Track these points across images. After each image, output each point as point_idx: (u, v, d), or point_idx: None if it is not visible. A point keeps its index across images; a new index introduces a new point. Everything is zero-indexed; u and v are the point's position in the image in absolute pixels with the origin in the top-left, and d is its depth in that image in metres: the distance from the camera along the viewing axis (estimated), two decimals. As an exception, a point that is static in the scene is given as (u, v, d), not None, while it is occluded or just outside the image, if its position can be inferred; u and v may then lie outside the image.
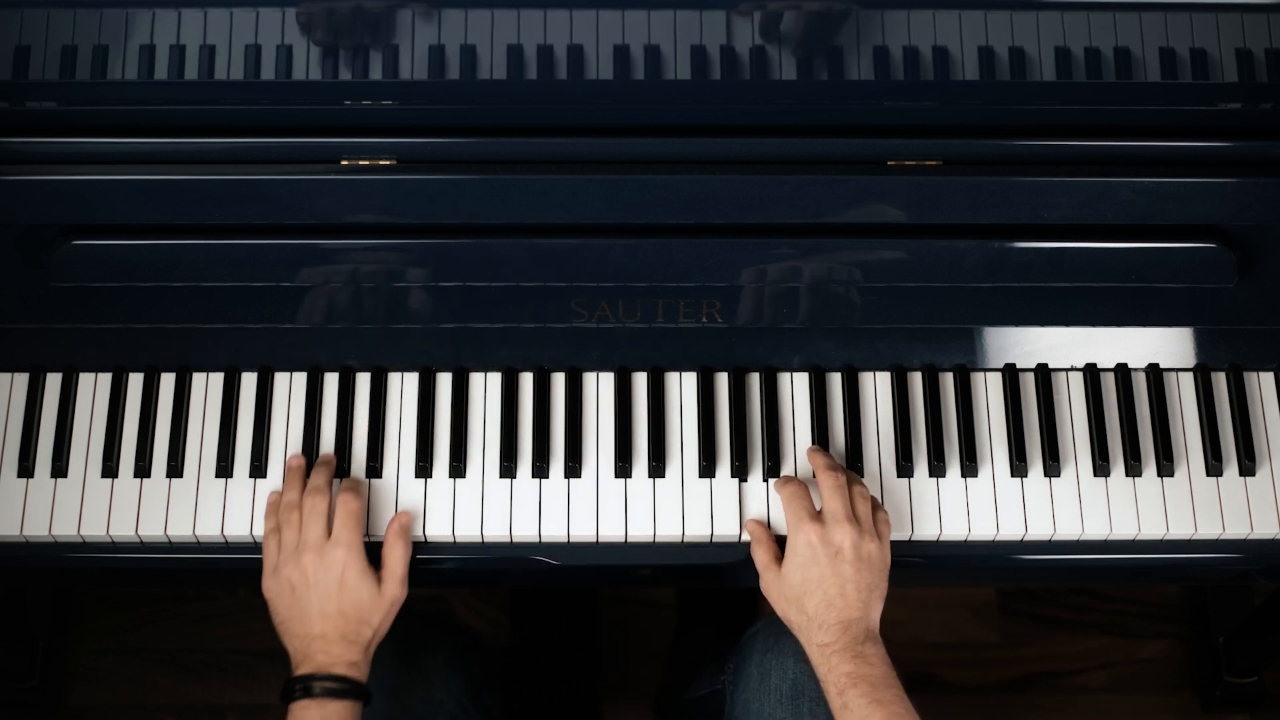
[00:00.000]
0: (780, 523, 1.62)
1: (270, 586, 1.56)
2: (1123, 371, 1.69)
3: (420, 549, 1.64)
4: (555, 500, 1.64)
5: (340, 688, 1.49)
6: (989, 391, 1.69)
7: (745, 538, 1.62)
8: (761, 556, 1.57)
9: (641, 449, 1.66)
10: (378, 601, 1.55)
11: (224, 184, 1.61)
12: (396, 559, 1.58)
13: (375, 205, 1.63)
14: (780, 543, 1.59)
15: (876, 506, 1.58)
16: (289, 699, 1.50)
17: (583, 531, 1.63)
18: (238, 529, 1.63)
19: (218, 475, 1.64)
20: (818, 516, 1.55)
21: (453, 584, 1.80)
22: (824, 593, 1.51)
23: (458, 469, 1.65)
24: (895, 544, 1.63)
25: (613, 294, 1.67)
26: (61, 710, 2.31)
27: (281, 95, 1.60)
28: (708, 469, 1.65)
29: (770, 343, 1.69)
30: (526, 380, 1.69)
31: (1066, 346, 1.70)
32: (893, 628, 2.36)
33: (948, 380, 1.69)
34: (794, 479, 1.60)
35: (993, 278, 1.66)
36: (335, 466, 1.63)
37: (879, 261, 1.65)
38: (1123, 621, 2.39)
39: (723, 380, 1.69)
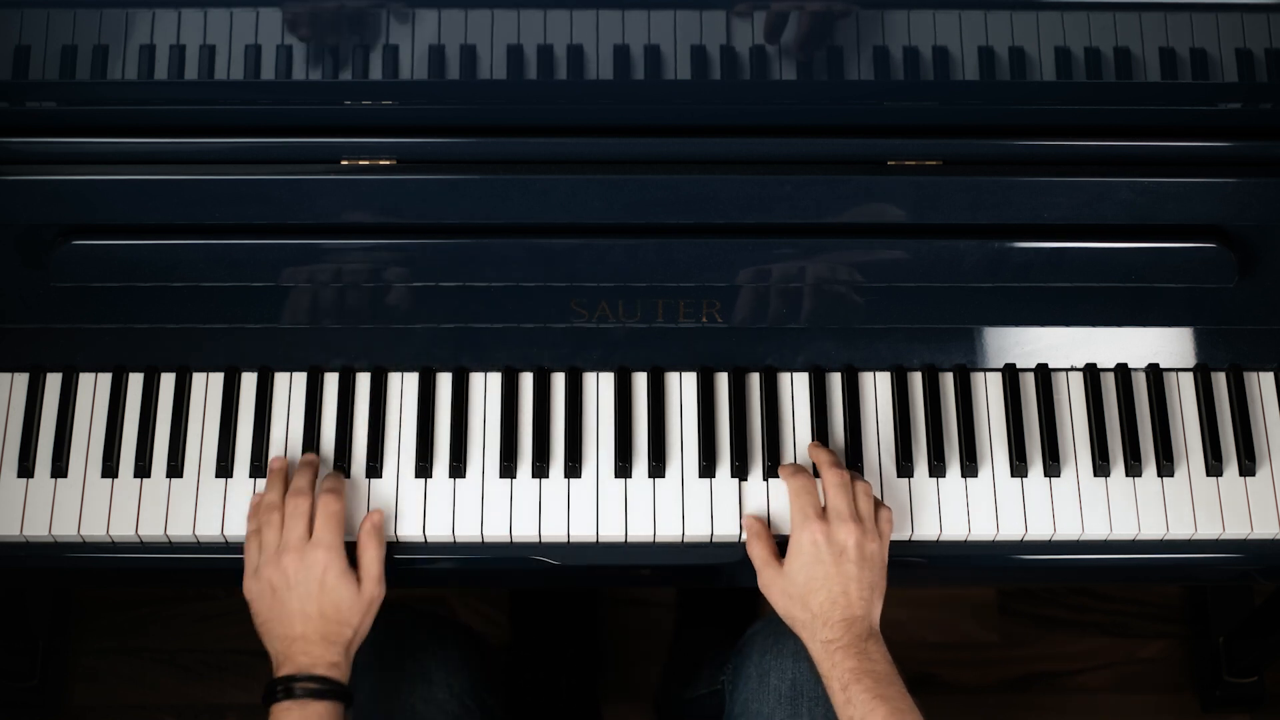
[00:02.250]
0: (779, 520, 1.62)
1: (251, 588, 1.56)
2: (1123, 371, 1.69)
3: (420, 549, 1.64)
4: (555, 500, 1.64)
5: (321, 688, 1.49)
6: (989, 391, 1.69)
7: (744, 536, 1.62)
8: (760, 553, 1.57)
9: (641, 449, 1.66)
10: (357, 602, 1.54)
11: (224, 184, 1.61)
12: (371, 558, 1.57)
13: (375, 205, 1.63)
14: (779, 540, 1.59)
15: (878, 504, 1.58)
16: (270, 700, 1.50)
17: (583, 531, 1.63)
18: (238, 529, 1.62)
19: (218, 475, 1.64)
20: (823, 514, 1.55)
21: (453, 584, 1.80)
22: (828, 591, 1.51)
23: (458, 469, 1.65)
24: (896, 544, 1.63)
25: (613, 294, 1.67)
26: (61, 710, 2.31)
27: (281, 95, 1.60)
28: (708, 469, 1.65)
29: (770, 343, 1.69)
30: (526, 380, 1.69)
31: (1066, 346, 1.70)
32: (893, 628, 2.36)
33: (948, 380, 1.69)
34: (804, 470, 1.60)
35: (993, 278, 1.66)
36: (318, 467, 1.63)
37: (879, 261, 1.65)
38: (1123, 621, 2.39)
39: (723, 380, 1.69)
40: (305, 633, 1.52)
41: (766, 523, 1.61)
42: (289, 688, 1.49)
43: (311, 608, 1.53)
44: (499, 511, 1.63)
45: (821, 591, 1.52)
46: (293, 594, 1.53)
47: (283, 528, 1.56)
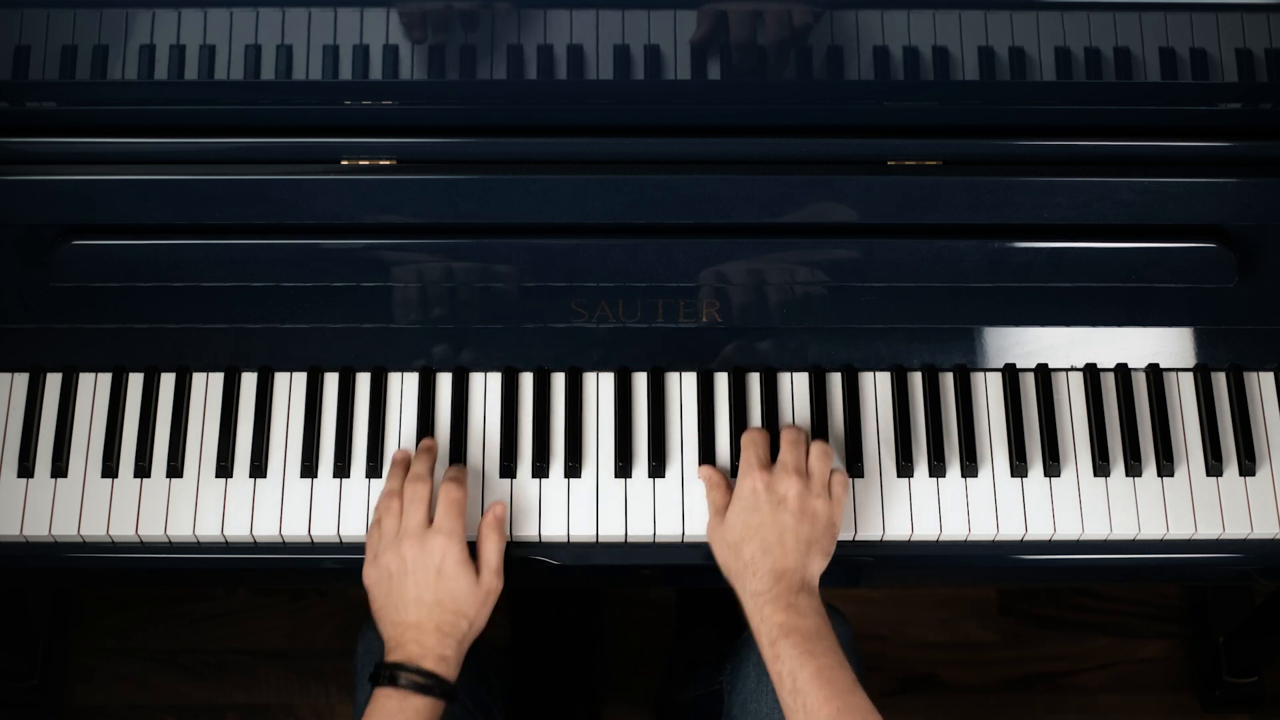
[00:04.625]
0: None
1: (370, 574, 1.56)
2: (1123, 371, 1.69)
3: (420, 549, 1.64)
4: (555, 500, 1.64)
5: (425, 683, 1.48)
6: (989, 391, 1.69)
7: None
8: (715, 500, 1.58)
9: (641, 449, 1.66)
10: (475, 592, 1.54)
11: (224, 184, 1.61)
12: (491, 550, 1.57)
13: (375, 205, 1.63)
14: None
15: (835, 470, 1.59)
16: (375, 683, 1.49)
17: (583, 531, 1.63)
18: (238, 529, 1.63)
19: (218, 475, 1.64)
20: (769, 466, 1.55)
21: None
22: (761, 538, 1.51)
23: (458, 469, 1.65)
24: (896, 544, 1.63)
25: (613, 294, 1.67)
26: (61, 710, 2.31)
27: (281, 95, 1.60)
28: (708, 469, 1.65)
29: (770, 343, 1.69)
30: (526, 380, 1.69)
31: (1066, 346, 1.70)
32: (893, 628, 2.38)
33: (948, 380, 1.69)
34: (760, 429, 1.61)
35: (993, 278, 1.66)
36: (436, 453, 1.63)
37: (879, 261, 1.65)
38: (1123, 621, 2.39)
39: (722, 380, 1.69)
40: (419, 620, 1.51)
41: (728, 476, 1.61)
42: (393, 675, 1.49)
43: (428, 594, 1.52)
44: (499, 511, 1.63)
45: (755, 539, 1.51)
46: (409, 580, 1.53)
47: (402, 514, 1.56)
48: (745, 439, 1.59)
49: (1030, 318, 1.69)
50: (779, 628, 1.47)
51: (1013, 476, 1.66)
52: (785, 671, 1.45)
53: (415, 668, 1.49)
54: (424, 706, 1.49)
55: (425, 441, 1.64)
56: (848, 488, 1.60)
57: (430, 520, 1.55)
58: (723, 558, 1.55)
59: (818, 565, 1.53)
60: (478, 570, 1.55)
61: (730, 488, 1.59)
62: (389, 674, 1.49)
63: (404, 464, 1.62)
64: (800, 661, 1.44)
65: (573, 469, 1.65)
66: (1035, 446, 1.66)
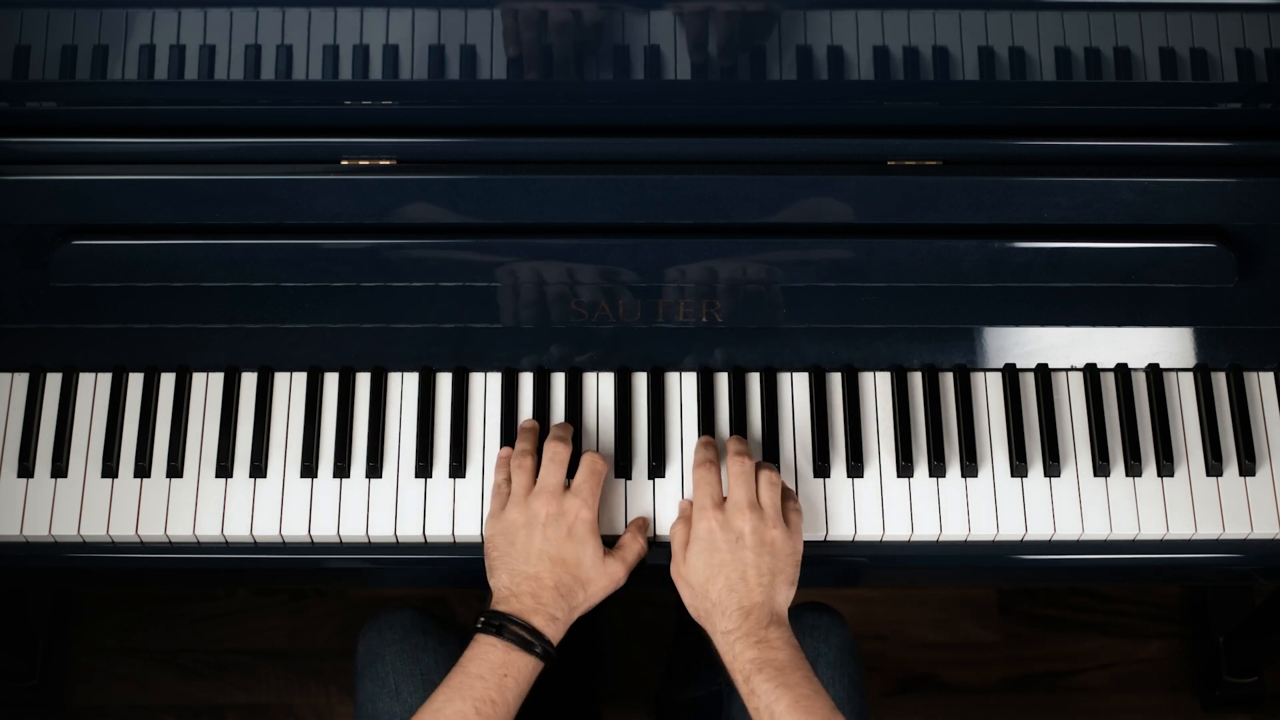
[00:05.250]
0: None
1: (492, 526, 1.56)
2: (1123, 371, 1.69)
3: (421, 549, 1.64)
4: (555, 500, 1.64)
5: (530, 639, 1.48)
6: (989, 391, 1.69)
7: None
8: (678, 536, 1.57)
9: (641, 449, 1.66)
10: (599, 566, 1.54)
11: (224, 184, 1.61)
12: (634, 550, 1.58)
13: (375, 205, 1.63)
14: None
15: (788, 495, 1.59)
16: (480, 629, 1.49)
17: (583, 531, 1.63)
18: (238, 529, 1.63)
19: (218, 475, 1.64)
20: (722, 504, 1.55)
21: (453, 584, 1.80)
22: (725, 577, 1.51)
23: (458, 469, 1.65)
24: (896, 544, 1.63)
25: (613, 294, 1.67)
26: (61, 710, 2.31)
27: (281, 95, 1.60)
28: (708, 469, 1.65)
29: (770, 342, 1.69)
30: (526, 380, 1.69)
31: (1066, 346, 1.70)
32: (893, 628, 2.39)
33: (948, 380, 1.69)
34: (709, 461, 1.59)
35: (993, 278, 1.66)
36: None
37: (879, 261, 1.65)
38: (1123, 621, 2.39)
39: (722, 380, 1.69)
40: (540, 573, 1.51)
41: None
42: (502, 625, 1.48)
43: (553, 550, 1.52)
44: (499, 511, 1.63)
45: (719, 579, 1.51)
46: (538, 533, 1.53)
47: (537, 473, 1.57)
48: (696, 475, 1.59)
49: (1030, 318, 1.69)
50: (751, 663, 1.47)
51: (1013, 476, 1.66)
52: (763, 706, 1.45)
53: (523, 622, 1.49)
54: (525, 665, 1.49)
55: (560, 422, 1.65)
56: (803, 514, 1.60)
57: (566, 484, 1.56)
58: (689, 599, 1.55)
59: (784, 596, 1.53)
60: (611, 554, 1.56)
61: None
62: (497, 623, 1.49)
63: (534, 432, 1.63)
64: (776, 694, 1.45)
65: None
66: (1035, 446, 1.67)
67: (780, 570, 1.53)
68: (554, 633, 1.51)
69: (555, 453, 1.58)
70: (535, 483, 1.57)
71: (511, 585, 1.52)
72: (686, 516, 1.58)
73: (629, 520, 1.63)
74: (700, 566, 1.53)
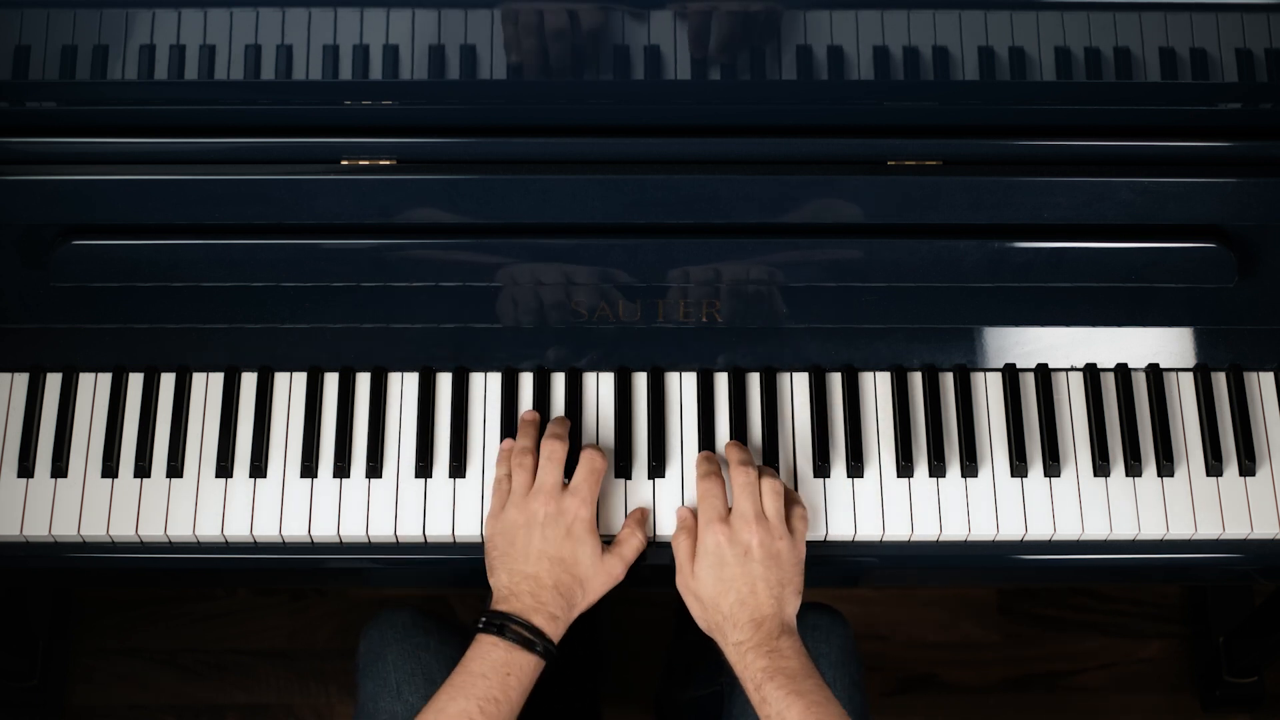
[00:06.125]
0: None
1: (492, 526, 1.57)
2: (1123, 371, 1.69)
3: (421, 549, 1.64)
4: (555, 500, 1.64)
5: (531, 638, 1.49)
6: (989, 391, 1.69)
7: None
8: (682, 547, 1.57)
9: (641, 449, 1.66)
10: (598, 567, 1.55)
11: (224, 184, 1.61)
12: (631, 545, 1.58)
13: (375, 205, 1.63)
14: None
15: (793, 501, 1.59)
16: (481, 628, 1.49)
17: (583, 531, 1.63)
18: (238, 529, 1.63)
19: (218, 475, 1.64)
20: (727, 517, 1.55)
21: (454, 584, 1.80)
22: (736, 592, 1.51)
23: (458, 469, 1.65)
24: (897, 544, 1.63)
25: (612, 294, 1.67)
26: (61, 710, 2.31)
27: (281, 95, 1.60)
28: (708, 469, 1.65)
29: (770, 343, 1.69)
30: (526, 380, 1.69)
31: (1066, 346, 1.70)
32: (893, 628, 2.38)
33: (948, 380, 1.69)
34: (713, 474, 1.59)
35: (993, 278, 1.66)
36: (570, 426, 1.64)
37: (879, 261, 1.65)
38: (1123, 621, 2.39)
39: (722, 380, 1.69)
40: (538, 573, 1.52)
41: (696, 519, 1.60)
42: (503, 625, 1.49)
43: (552, 550, 1.53)
44: (499, 511, 1.63)
45: (730, 593, 1.52)
46: (537, 533, 1.53)
47: (536, 471, 1.57)
48: (700, 488, 1.58)
49: (1030, 318, 1.69)
50: (763, 671, 1.48)
51: (1013, 476, 1.66)
52: (774, 714, 1.46)
53: (524, 621, 1.50)
54: (528, 664, 1.49)
55: (559, 416, 1.65)
56: (808, 520, 1.60)
57: (564, 483, 1.56)
58: (698, 613, 1.55)
59: (793, 605, 1.53)
60: (609, 551, 1.56)
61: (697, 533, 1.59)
62: (498, 623, 1.49)
63: (535, 425, 1.63)
64: (787, 701, 1.45)
65: (573, 469, 1.65)
66: (1035, 446, 1.67)
67: (789, 581, 1.53)
68: (554, 631, 1.52)
69: (552, 451, 1.58)
70: (535, 481, 1.57)
71: (511, 585, 1.52)
72: (688, 528, 1.58)
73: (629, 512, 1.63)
74: (710, 581, 1.53)
